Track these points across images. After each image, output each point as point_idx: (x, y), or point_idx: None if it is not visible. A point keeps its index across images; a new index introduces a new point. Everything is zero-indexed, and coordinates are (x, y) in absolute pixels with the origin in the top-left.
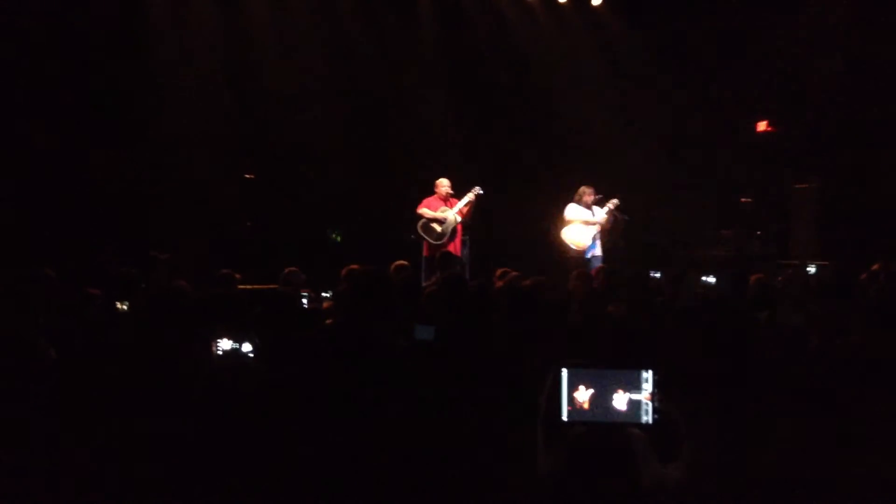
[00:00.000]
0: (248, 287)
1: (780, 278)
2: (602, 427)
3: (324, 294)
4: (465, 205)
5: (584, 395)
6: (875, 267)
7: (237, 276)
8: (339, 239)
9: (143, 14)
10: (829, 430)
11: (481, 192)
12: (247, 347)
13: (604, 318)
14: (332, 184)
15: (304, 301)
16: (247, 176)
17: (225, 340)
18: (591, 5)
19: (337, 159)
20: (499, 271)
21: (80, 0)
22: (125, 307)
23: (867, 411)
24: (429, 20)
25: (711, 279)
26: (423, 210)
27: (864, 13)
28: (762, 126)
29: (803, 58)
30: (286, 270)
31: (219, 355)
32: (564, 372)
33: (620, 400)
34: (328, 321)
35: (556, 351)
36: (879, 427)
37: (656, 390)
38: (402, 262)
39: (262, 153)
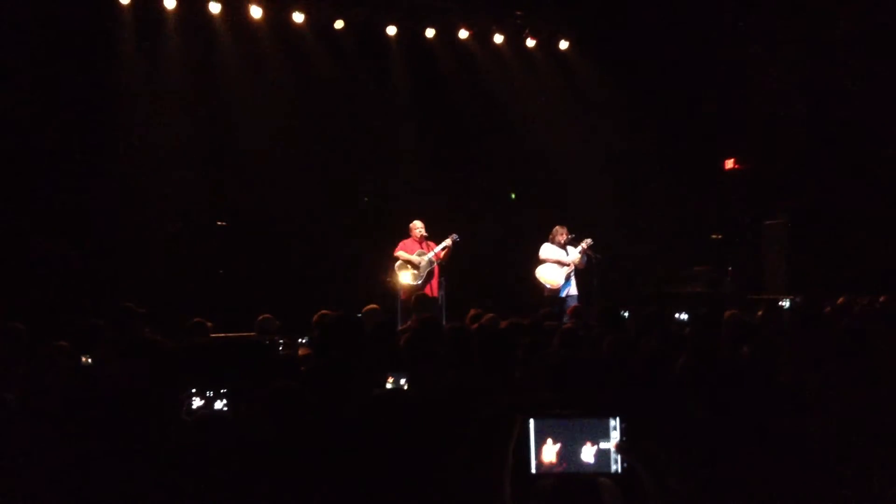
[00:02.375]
0: (222, 335)
1: (759, 313)
2: (571, 478)
3: (300, 340)
4: (442, 249)
5: (551, 449)
6: (841, 300)
7: (209, 324)
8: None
9: (115, 67)
10: (805, 469)
11: (458, 239)
12: (219, 400)
13: (579, 359)
14: (304, 229)
15: (280, 348)
16: (219, 223)
17: (197, 393)
18: (559, 49)
19: (310, 206)
20: (472, 312)
21: (50, 36)
22: (89, 360)
23: (842, 447)
24: (400, 65)
25: (684, 316)
26: (400, 253)
27: (830, 51)
28: (730, 164)
29: (770, 95)
30: (260, 318)
31: (191, 408)
32: (531, 423)
33: (589, 452)
34: (302, 368)
35: (529, 394)
36: (856, 465)
37: (624, 438)
38: (373, 305)
39: (233, 201)
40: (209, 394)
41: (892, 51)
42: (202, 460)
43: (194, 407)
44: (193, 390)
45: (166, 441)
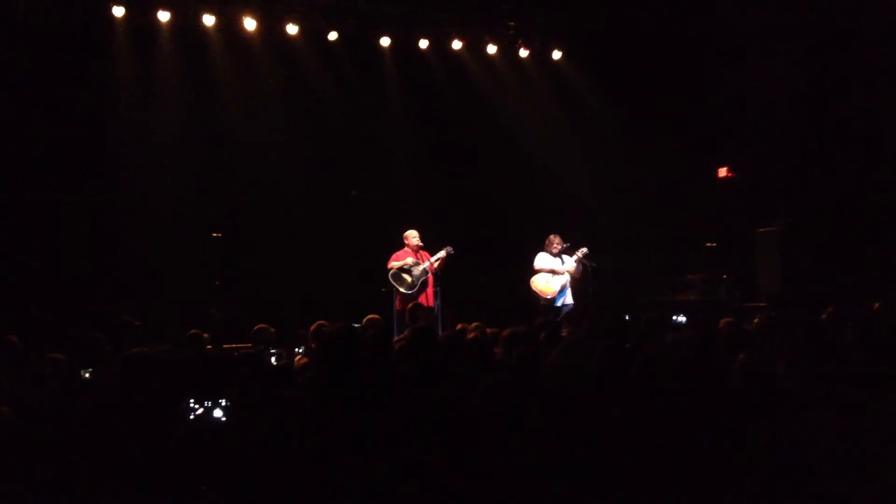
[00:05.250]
0: (221, 346)
1: (756, 320)
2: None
3: (296, 350)
4: (436, 260)
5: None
6: (831, 309)
7: (205, 335)
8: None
9: (111, 71)
10: (806, 478)
11: (452, 251)
12: (217, 411)
13: (575, 369)
14: (299, 239)
15: (273, 358)
16: (214, 235)
17: (195, 404)
18: (552, 59)
19: (305, 216)
20: (459, 327)
21: (48, 53)
22: (88, 373)
23: (842, 452)
24: (394, 76)
25: (682, 318)
26: (392, 263)
27: (823, 57)
28: (723, 172)
29: (763, 103)
30: (255, 328)
31: (189, 420)
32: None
33: None
34: (300, 378)
35: (527, 405)
36: (853, 468)
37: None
38: (373, 316)
39: (229, 211)
40: (207, 403)
41: (885, 56)
42: (200, 468)
43: (192, 416)
44: (192, 400)
45: (165, 451)
